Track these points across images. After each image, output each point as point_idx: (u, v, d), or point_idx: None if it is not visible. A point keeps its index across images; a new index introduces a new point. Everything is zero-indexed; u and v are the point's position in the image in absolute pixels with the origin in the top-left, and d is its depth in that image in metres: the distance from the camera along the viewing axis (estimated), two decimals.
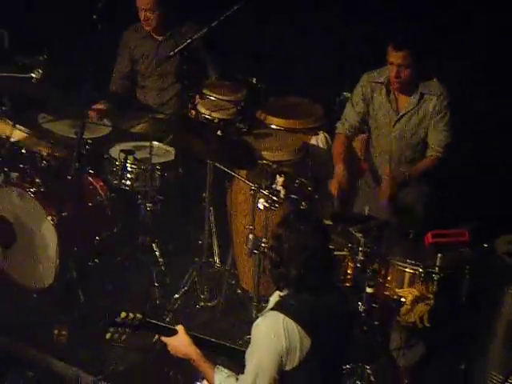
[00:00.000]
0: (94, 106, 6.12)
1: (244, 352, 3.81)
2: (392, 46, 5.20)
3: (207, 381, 3.94)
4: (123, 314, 3.93)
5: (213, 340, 4.07)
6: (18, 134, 5.78)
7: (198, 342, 3.97)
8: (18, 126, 5.76)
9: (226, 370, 3.89)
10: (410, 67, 5.21)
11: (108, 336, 3.95)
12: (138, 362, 5.31)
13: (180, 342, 3.94)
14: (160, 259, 5.95)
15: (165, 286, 5.87)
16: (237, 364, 3.94)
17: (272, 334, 3.65)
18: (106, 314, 4.03)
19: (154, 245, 5.95)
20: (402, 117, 5.36)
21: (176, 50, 5.87)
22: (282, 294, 3.80)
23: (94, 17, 5.27)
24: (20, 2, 6.78)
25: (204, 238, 5.80)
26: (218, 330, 5.49)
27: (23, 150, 5.83)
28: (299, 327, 3.66)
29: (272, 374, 3.68)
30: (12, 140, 5.77)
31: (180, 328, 3.97)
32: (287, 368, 3.68)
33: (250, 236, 5.29)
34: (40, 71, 5.58)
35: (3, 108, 5.89)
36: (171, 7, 6.26)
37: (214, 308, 5.80)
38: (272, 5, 6.57)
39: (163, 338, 3.98)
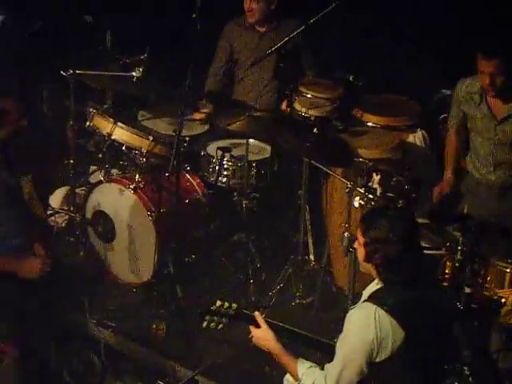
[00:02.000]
0: (200, 110, 6.21)
1: (328, 344, 3.83)
2: (482, 55, 5.02)
3: (290, 373, 3.95)
4: (218, 303, 3.97)
5: (295, 330, 4.07)
6: (118, 131, 5.90)
7: (279, 329, 3.99)
8: (118, 123, 5.88)
9: (308, 362, 3.91)
10: (503, 74, 5.05)
11: (204, 324, 4.00)
12: (235, 357, 5.37)
13: (264, 335, 3.96)
14: (255, 256, 6.01)
15: (260, 282, 5.93)
16: (321, 355, 3.97)
17: (363, 324, 3.67)
18: (202, 304, 4.08)
19: (249, 242, 6.02)
20: (502, 121, 5.25)
21: (274, 48, 5.89)
22: (375, 287, 3.81)
23: (194, 15, 5.33)
24: (121, 2, 6.91)
25: (299, 235, 5.81)
26: (313, 327, 5.50)
27: (123, 147, 5.96)
28: (392, 319, 3.66)
29: (361, 365, 3.69)
30: (113, 137, 5.90)
31: (258, 317, 3.98)
32: (377, 360, 3.69)
33: (346, 234, 5.28)
34: (141, 70, 5.69)
35: (105, 106, 6.03)
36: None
37: (308, 305, 5.81)
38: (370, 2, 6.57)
39: (251, 329, 4.00)
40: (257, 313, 4.02)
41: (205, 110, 6.23)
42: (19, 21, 6.45)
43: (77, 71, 5.74)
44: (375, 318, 3.66)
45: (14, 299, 4.81)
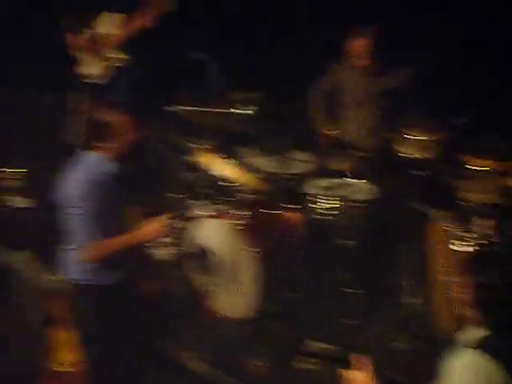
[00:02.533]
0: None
1: None
2: None
3: None
4: (315, 344, 3.94)
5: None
6: (222, 167, 5.98)
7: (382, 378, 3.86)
8: (223, 159, 5.96)
9: None
10: None
11: (300, 364, 3.96)
12: None
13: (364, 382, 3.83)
14: (355, 297, 5.97)
15: (360, 324, 5.87)
16: None
17: (469, 373, 3.49)
18: (299, 343, 4.06)
19: (349, 282, 5.98)
20: None
21: (383, 88, 5.90)
22: (478, 332, 3.70)
23: None
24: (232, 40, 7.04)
25: (401, 278, 5.76)
26: (414, 370, 5.41)
27: (226, 183, 6.03)
28: (499, 367, 3.48)
29: None
30: (216, 173, 5.98)
31: (359, 362, 3.88)
32: None
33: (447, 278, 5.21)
34: (253, 107, 5.77)
35: (210, 142, 6.11)
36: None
37: (411, 349, 5.73)
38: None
39: (348, 373, 3.85)
40: (358, 357, 3.95)
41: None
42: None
43: (182, 107, 5.86)
44: (482, 367, 3.50)
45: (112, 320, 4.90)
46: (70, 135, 6.64)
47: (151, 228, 4.85)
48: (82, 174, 4.73)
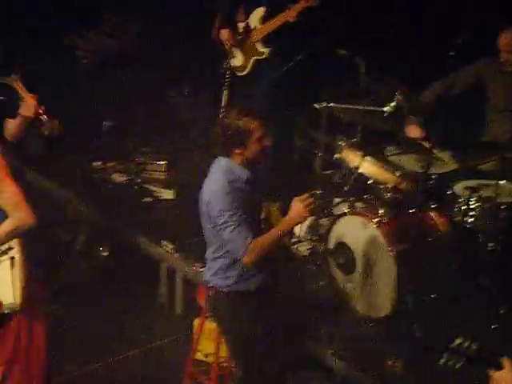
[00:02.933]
0: None
1: None
2: None
3: None
4: (458, 341, 3.86)
5: None
6: (366, 165, 5.96)
7: None
8: (366, 157, 5.93)
9: None
10: None
11: (441, 362, 3.88)
12: None
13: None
14: (499, 300, 5.82)
15: (503, 328, 5.72)
16: None
17: None
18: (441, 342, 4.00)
19: (492, 285, 5.85)
20: None
21: None
22: None
23: (451, 53, 5.30)
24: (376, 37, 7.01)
25: None
26: None
27: (369, 181, 6.00)
28: None
29: None
30: (360, 170, 5.96)
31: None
32: None
33: None
34: (392, 105, 5.73)
35: (354, 139, 6.10)
36: None
37: None
38: None
39: (494, 374, 3.76)
40: (508, 359, 3.85)
41: None
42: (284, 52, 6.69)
43: (330, 104, 5.87)
44: None
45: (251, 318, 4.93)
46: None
47: (296, 210, 4.80)
48: (222, 182, 4.74)
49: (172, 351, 6.02)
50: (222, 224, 4.72)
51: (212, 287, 4.94)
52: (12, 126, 5.73)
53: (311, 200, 4.80)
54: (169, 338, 6.18)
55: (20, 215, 4.58)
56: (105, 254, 6.88)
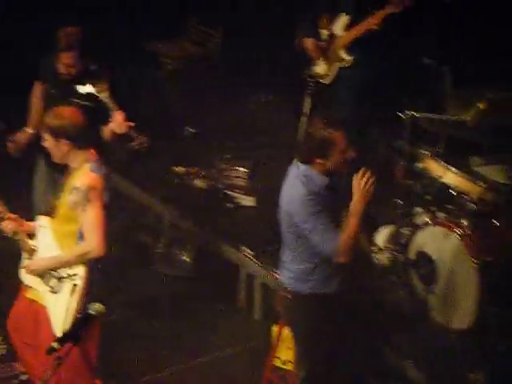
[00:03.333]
0: None
1: None
2: None
3: None
4: None
5: None
6: (449, 175, 5.88)
7: None
8: (450, 167, 5.87)
9: None
10: None
11: None
12: None
13: None
14: None
15: None
16: None
17: None
18: None
19: None
20: None
21: None
22: None
23: None
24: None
25: None
26: None
27: (453, 191, 5.93)
28: None
29: None
30: (443, 180, 5.89)
31: None
32: None
33: None
34: (477, 115, 5.66)
35: (438, 149, 6.04)
36: None
37: None
38: None
39: None
40: None
41: None
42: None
43: (415, 113, 5.83)
44: None
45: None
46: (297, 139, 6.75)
47: (358, 191, 4.76)
48: (302, 189, 4.75)
49: (250, 357, 6.05)
50: (309, 229, 4.75)
51: (290, 291, 4.96)
52: (104, 133, 5.89)
53: (368, 176, 4.77)
54: (247, 343, 6.23)
55: (92, 243, 4.76)
56: (185, 258, 6.95)
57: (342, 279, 4.95)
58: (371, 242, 6.36)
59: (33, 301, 4.98)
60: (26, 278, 4.96)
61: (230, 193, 7.44)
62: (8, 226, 4.95)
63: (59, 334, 4.70)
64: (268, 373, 5.51)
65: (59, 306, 4.81)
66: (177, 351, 6.12)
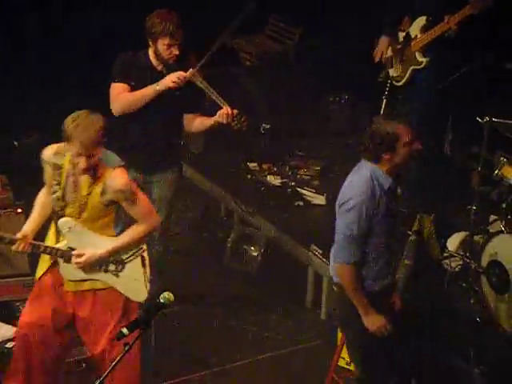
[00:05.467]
0: None
1: None
2: None
3: None
4: None
5: None
6: None
7: None
8: None
9: None
10: None
11: None
12: None
13: None
14: None
15: None
16: None
17: None
18: None
19: None
20: None
21: None
22: None
23: None
24: None
25: None
26: None
27: None
28: None
29: None
30: None
31: None
32: None
33: None
34: None
35: None
36: None
37: None
38: None
39: None
40: None
41: None
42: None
43: (493, 119, 5.75)
44: None
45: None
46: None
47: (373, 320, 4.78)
48: (363, 188, 4.72)
49: (315, 355, 6.04)
50: (338, 230, 4.79)
51: (340, 286, 4.91)
52: (194, 123, 5.95)
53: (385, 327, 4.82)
54: (313, 342, 6.22)
55: (153, 222, 5.04)
56: (254, 253, 6.96)
57: (390, 278, 4.91)
58: (443, 248, 6.30)
59: (80, 291, 5.04)
60: (70, 274, 5.00)
61: (301, 190, 7.43)
62: (20, 247, 4.98)
63: (141, 299, 5.00)
64: (332, 372, 5.49)
65: (130, 281, 5.02)
66: (243, 345, 6.16)
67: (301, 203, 7.34)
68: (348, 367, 5.58)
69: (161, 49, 5.82)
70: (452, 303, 6.01)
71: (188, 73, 5.82)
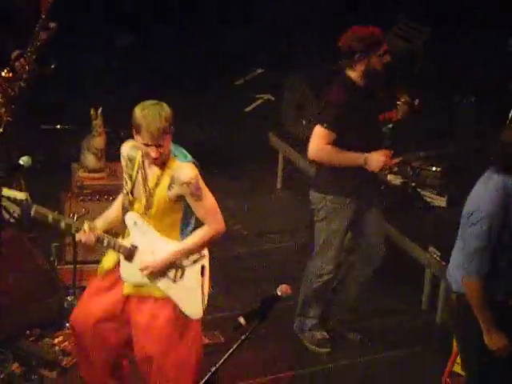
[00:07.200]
0: None
1: None
2: None
3: None
4: None
5: None
6: None
7: None
8: None
9: None
10: None
11: None
12: None
13: None
14: None
15: None
16: None
17: None
18: None
19: None
20: None
21: None
22: None
23: None
24: None
25: None
26: None
27: None
28: None
29: None
30: None
31: None
32: None
33: None
34: None
35: None
36: None
37: None
38: None
39: None
40: None
41: None
42: None
43: None
44: None
45: None
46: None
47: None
48: (496, 199, 4.61)
49: (428, 359, 5.97)
50: (467, 239, 4.68)
51: (460, 296, 4.81)
52: None
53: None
54: (427, 345, 6.15)
55: (218, 225, 4.85)
56: None
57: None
58: None
59: (134, 296, 4.95)
60: (129, 275, 4.90)
61: (422, 191, 7.33)
62: (83, 238, 4.89)
63: (196, 316, 4.86)
64: (446, 377, 5.40)
65: (188, 290, 4.86)
66: (355, 346, 6.17)
67: (420, 204, 7.24)
68: (463, 373, 5.48)
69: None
70: None
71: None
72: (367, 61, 5.62)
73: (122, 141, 5.00)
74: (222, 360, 4.00)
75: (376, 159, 5.70)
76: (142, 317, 4.89)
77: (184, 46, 9.88)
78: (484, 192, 4.69)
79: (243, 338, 3.99)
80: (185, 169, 4.76)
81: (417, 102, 5.96)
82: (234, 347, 4.02)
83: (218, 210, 4.88)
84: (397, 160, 5.95)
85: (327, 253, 5.92)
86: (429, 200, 7.26)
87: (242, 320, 4.04)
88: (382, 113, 5.98)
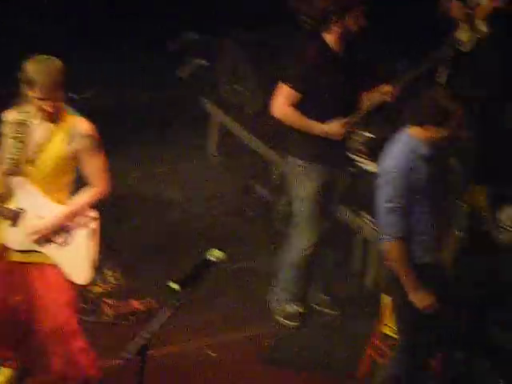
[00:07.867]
0: None
1: None
2: None
3: None
4: None
5: None
6: None
7: None
8: None
9: None
10: None
11: None
12: None
13: None
14: None
15: None
16: None
17: None
18: None
19: None
20: None
21: None
22: None
23: None
24: None
25: None
26: None
27: None
28: None
29: None
30: None
31: None
32: None
33: None
34: None
35: None
36: None
37: None
38: None
39: None
40: None
41: None
42: None
43: None
44: None
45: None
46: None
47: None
48: (403, 160, 4.68)
49: (359, 321, 6.06)
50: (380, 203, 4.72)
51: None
52: None
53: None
54: (358, 308, 6.24)
55: (104, 185, 4.84)
56: None
57: (438, 251, 4.87)
58: (496, 220, 6.24)
59: (23, 264, 4.86)
60: (17, 243, 4.81)
61: (353, 156, 7.37)
62: None
63: (83, 282, 4.80)
64: (375, 339, 5.49)
65: (76, 255, 4.80)
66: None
67: (352, 169, 7.30)
68: (393, 335, 5.59)
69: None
70: (504, 276, 5.96)
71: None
72: (343, 23, 5.57)
73: None
74: (154, 324, 3.95)
75: (336, 131, 5.69)
76: (35, 284, 4.81)
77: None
78: (392, 153, 4.75)
79: (177, 304, 3.98)
80: (84, 122, 4.79)
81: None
82: (169, 313, 3.98)
83: (106, 170, 4.86)
84: (353, 120, 5.85)
85: (305, 224, 5.87)
86: (360, 165, 7.32)
87: (176, 286, 4.02)
88: (356, 86, 5.85)
